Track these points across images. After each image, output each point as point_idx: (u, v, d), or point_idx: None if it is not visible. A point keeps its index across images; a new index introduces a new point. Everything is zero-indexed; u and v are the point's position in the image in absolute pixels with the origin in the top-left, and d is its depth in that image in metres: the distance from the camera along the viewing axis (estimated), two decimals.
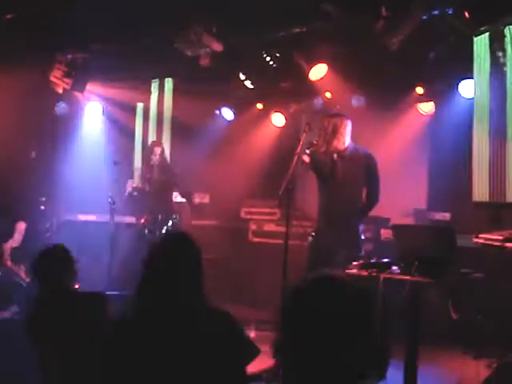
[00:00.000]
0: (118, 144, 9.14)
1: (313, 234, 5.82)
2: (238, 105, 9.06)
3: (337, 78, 7.52)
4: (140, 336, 2.56)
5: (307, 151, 5.48)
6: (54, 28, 7.33)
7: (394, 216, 7.02)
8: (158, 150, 7.58)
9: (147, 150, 7.69)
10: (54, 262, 3.67)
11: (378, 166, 5.77)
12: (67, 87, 8.46)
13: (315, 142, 5.56)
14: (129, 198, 7.52)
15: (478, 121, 7.23)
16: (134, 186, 7.50)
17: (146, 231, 7.38)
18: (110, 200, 7.36)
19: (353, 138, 5.81)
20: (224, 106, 9.03)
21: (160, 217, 7.35)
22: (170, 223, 7.39)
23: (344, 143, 5.70)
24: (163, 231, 7.33)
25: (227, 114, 9.13)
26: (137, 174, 8.09)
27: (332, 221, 5.64)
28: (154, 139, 9.11)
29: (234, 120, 9.20)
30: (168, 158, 8.10)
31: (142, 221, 7.44)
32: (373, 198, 5.75)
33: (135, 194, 7.53)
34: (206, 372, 2.53)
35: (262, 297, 7.03)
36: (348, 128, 5.73)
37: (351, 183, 5.65)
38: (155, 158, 7.49)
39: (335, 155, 5.68)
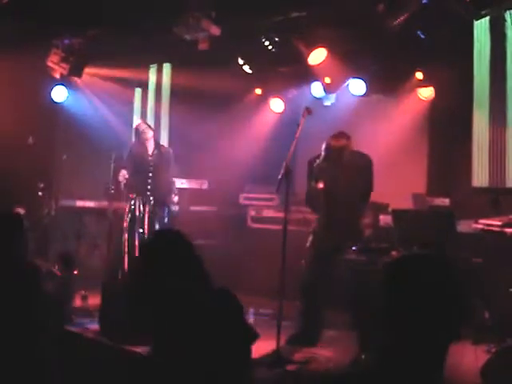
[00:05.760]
0: (116, 129, 9.10)
1: (313, 233, 5.84)
2: (236, 90, 9.00)
3: (336, 62, 7.47)
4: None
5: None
6: (51, 12, 7.27)
7: (393, 201, 7.00)
8: (141, 128, 7.47)
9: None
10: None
11: (374, 166, 5.85)
12: (64, 72, 8.41)
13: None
14: (125, 189, 7.43)
15: (478, 106, 7.20)
16: (127, 176, 7.34)
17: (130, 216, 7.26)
18: (108, 186, 7.31)
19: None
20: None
21: (149, 203, 7.23)
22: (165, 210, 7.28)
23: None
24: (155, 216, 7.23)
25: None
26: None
27: (333, 223, 5.69)
28: (152, 125, 9.04)
29: (233, 106, 9.15)
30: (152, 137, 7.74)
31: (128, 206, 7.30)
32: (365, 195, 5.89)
33: (130, 183, 7.40)
34: (207, 352, 2.55)
35: (261, 282, 7.02)
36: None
37: (351, 187, 5.70)
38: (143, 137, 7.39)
39: (336, 161, 5.75)
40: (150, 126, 7.56)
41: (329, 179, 5.73)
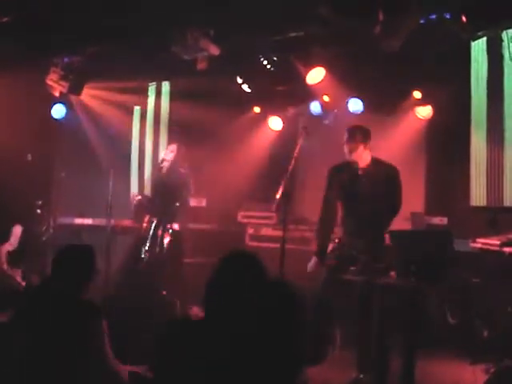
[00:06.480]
0: (114, 147, 9.11)
1: (336, 242, 5.74)
2: (235, 108, 9.04)
3: (334, 81, 7.51)
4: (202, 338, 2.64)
5: None
6: (51, 31, 7.31)
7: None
8: (170, 148, 7.63)
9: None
10: (66, 261, 3.53)
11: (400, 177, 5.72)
12: (64, 90, 8.44)
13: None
14: (137, 210, 7.51)
15: (476, 125, 7.24)
16: (139, 198, 7.47)
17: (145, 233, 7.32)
18: (106, 203, 7.35)
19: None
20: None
21: (161, 223, 7.28)
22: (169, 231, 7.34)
23: (365, 160, 5.66)
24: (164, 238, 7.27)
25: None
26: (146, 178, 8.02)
27: (356, 233, 5.54)
28: (151, 142, 9.12)
29: (232, 124, 9.19)
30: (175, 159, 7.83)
31: (144, 225, 7.39)
32: (394, 207, 5.72)
33: (142, 204, 7.50)
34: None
35: None
36: (366, 146, 5.71)
37: (375, 197, 5.55)
38: (169, 157, 7.53)
39: (359, 171, 5.63)
40: (171, 150, 7.64)
41: (348, 188, 5.63)
